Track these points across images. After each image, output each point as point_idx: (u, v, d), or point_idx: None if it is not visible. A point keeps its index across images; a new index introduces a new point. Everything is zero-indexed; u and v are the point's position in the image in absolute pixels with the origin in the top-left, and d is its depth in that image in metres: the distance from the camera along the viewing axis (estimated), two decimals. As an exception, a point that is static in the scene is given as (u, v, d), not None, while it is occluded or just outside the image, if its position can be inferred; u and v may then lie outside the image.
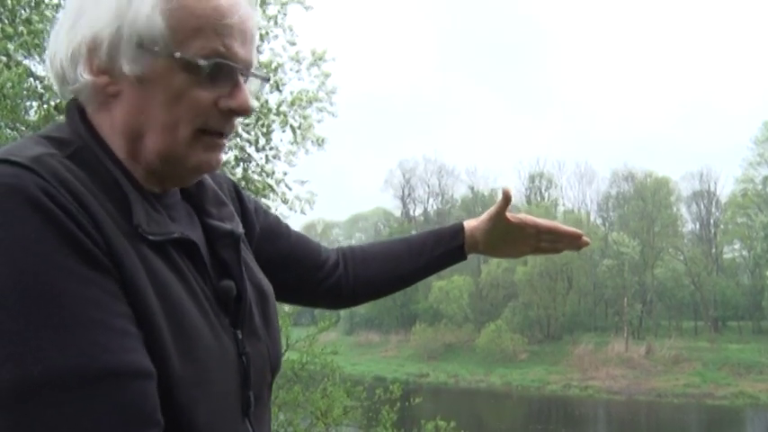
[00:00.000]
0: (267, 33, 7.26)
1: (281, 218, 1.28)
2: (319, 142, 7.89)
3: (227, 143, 0.89)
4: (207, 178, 1.02)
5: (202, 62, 0.82)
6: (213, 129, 0.86)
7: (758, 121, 55.75)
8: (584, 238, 1.36)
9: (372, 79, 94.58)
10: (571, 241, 1.37)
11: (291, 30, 7.45)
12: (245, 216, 1.13)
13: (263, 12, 7.19)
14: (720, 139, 77.98)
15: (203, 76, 0.83)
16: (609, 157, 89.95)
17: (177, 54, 0.82)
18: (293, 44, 7.51)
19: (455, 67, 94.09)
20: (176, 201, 0.95)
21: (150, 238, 0.80)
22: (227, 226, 0.98)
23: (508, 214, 1.33)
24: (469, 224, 1.38)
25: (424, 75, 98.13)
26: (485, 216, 1.35)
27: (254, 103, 0.87)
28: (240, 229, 1.00)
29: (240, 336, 0.90)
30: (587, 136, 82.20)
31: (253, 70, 0.89)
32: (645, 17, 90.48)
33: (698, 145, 77.82)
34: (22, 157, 0.74)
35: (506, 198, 1.32)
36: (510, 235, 1.36)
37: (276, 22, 7.32)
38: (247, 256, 1.03)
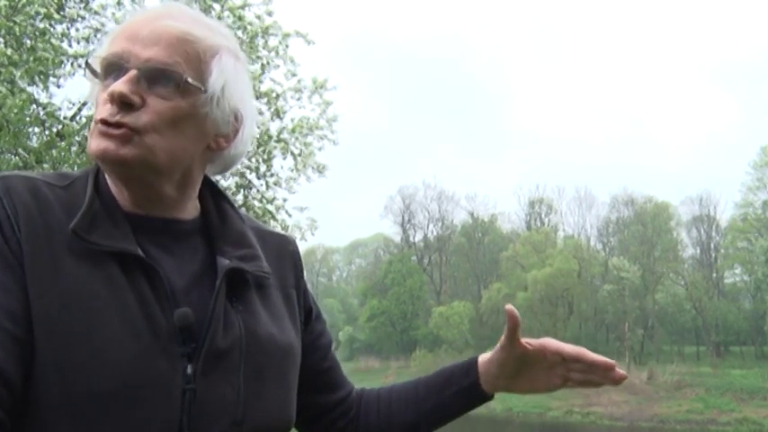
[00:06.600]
0: (268, 63, 7.33)
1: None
2: (320, 169, 7.92)
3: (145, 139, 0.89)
4: (238, 223, 1.04)
5: (97, 71, 0.94)
6: (98, 118, 0.90)
7: (755, 145, 56.05)
8: (619, 371, 1.09)
9: (373, 105, 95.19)
10: (604, 373, 1.09)
11: (293, 61, 7.53)
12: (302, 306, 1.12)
13: (266, 43, 7.27)
14: (718, 163, 78.30)
15: (101, 81, 0.93)
16: (608, 182, 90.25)
17: (96, 71, 0.94)
18: (294, 75, 7.58)
19: (451, 97, 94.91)
20: (177, 230, 0.97)
21: (88, 244, 0.86)
22: (226, 261, 0.96)
23: (524, 340, 1.11)
24: (484, 357, 1.18)
25: (422, 103, 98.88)
26: (497, 346, 1.14)
27: (121, 87, 0.88)
28: (250, 269, 0.99)
29: (190, 370, 0.87)
30: (585, 161, 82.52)
31: (145, 63, 0.90)
32: (634, 50, 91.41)
33: (696, 169, 78.13)
34: (2, 175, 0.89)
35: (512, 320, 1.08)
36: (531, 365, 1.13)
37: (278, 53, 7.40)
38: (263, 302, 1.01)
